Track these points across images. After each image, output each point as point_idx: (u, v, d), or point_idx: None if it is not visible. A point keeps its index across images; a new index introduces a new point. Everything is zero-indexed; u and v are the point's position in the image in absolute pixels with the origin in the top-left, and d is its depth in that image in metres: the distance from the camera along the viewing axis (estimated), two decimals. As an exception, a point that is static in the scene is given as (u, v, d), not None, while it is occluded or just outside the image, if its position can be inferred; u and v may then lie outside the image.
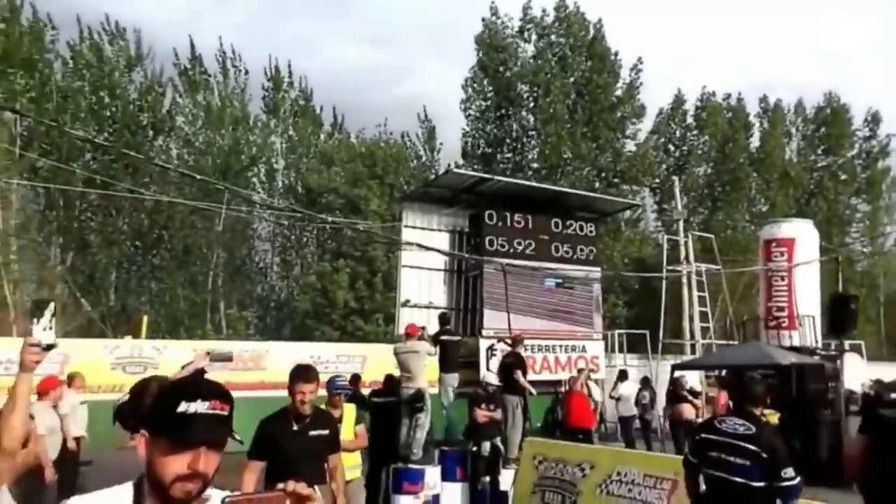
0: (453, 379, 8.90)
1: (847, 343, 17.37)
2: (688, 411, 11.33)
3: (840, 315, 8.86)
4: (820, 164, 33.67)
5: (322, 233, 28.40)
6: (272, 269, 30.95)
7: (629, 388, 12.81)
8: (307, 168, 28.29)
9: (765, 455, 3.41)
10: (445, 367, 8.88)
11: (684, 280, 18.64)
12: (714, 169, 30.71)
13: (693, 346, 17.78)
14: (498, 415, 8.14)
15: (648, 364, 16.30)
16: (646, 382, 13.04)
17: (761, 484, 3.38)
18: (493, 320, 13.05)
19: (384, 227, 17.39)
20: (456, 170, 14.43)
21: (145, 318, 13.58)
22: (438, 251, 13.00)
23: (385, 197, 24.91)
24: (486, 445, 7.78)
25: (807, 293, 12.79)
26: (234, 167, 25.46)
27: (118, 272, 24.97)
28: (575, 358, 14.01)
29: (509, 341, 11.18)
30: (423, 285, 13.39)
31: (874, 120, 33.52)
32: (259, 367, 12.01)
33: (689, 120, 30.88)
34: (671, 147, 30.72)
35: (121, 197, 20.41)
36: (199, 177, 13.38)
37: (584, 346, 14.28)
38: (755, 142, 32.15)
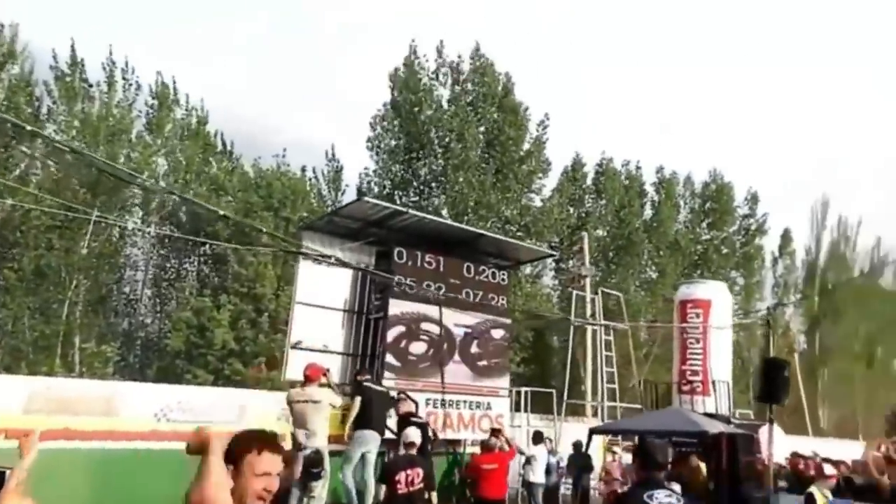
0: (373, 438, 7.27)
1: (738, 412, 17.52)
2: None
3: (773, 381, 8.32)
4: (704, 237, 35.39)
5: (204, 264, 25.95)
6: (142, 303, 27.88)
7: (542, 453, 11.67)
8: (194, 194, 25.91)
9: None
10: (368, 421, 7.28)
11: (588, 338, 18.17)
12: (609, 232, 31.35)
13: (595, 409, 17.14)
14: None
15: (554, 426, 15.38)
16: (552, 445, 11.94)
17: None
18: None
19: (279, 258, 15.66)
20: (367, 199, 13.12)
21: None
22: (352, 267, 11.47)
23: (280, 230, 23.09)
24: None
25: (720, 358, 12.45)
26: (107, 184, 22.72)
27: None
28: (479, 416, 12.82)
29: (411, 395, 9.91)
30: (318, 326, 11.83)
31: (753, 199, 35.99)
32: (110, 413, 9.82)
33: (588, 182, 31.57)
34: (570, 209, 31.12)
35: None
36: (86, 153, 10.91)
37: (489, 403, 13.13)
38: (648, 210, 33.33)
